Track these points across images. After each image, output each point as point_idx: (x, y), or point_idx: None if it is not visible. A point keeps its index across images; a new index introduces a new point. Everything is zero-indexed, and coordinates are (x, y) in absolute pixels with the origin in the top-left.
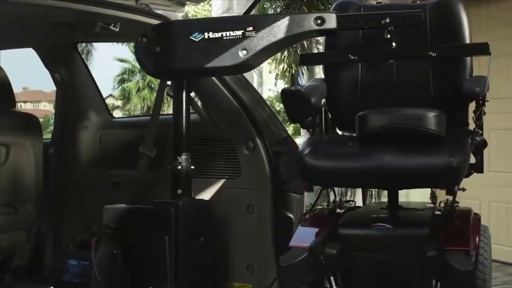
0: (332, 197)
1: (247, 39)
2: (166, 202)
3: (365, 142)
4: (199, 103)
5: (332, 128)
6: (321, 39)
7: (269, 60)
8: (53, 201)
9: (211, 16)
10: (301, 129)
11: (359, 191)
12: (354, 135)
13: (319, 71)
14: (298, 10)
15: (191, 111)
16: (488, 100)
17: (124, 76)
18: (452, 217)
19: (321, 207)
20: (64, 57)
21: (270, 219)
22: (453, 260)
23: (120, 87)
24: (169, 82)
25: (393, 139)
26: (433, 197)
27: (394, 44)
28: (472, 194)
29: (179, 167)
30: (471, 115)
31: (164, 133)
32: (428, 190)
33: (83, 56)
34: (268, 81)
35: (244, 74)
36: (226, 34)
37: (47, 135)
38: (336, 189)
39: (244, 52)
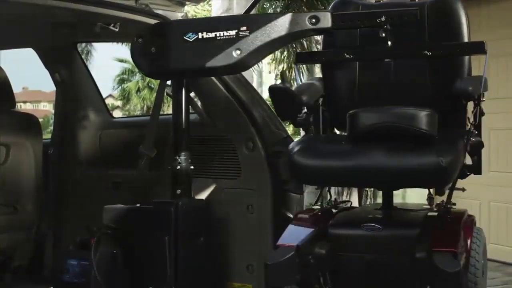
0: (328, 197)
1: (240, 39)
2: (166, 202)
3: (356, 141)
4: (199, 103)
5: (330, 128)
6: (321, 38)
7: (269, 60)
8: (53, 201)
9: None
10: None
11: (355, 192)
12: None
13: (318, 72)
14: (298, 10)
15: (190, 111)
16: (484, 100)
17: (124, 76)
18: (444, 219)
19: (317, 207)
20: (64, 57)
21: (270, 219)
22: (440, 261)
23: (120, 87)
24: (168, 82)
25: (384, 138)
26: (430, 198)
27: (389, 43)
28: (472, 194)
29: (178, 167)
30: (471, 115)
31: (164, 133)
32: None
33: (83, 56)
34: (268, 81)
35: (243, 74)
36: (219, 34)
37: (47, 135)
38: (333, 189)
39: (238, 52)
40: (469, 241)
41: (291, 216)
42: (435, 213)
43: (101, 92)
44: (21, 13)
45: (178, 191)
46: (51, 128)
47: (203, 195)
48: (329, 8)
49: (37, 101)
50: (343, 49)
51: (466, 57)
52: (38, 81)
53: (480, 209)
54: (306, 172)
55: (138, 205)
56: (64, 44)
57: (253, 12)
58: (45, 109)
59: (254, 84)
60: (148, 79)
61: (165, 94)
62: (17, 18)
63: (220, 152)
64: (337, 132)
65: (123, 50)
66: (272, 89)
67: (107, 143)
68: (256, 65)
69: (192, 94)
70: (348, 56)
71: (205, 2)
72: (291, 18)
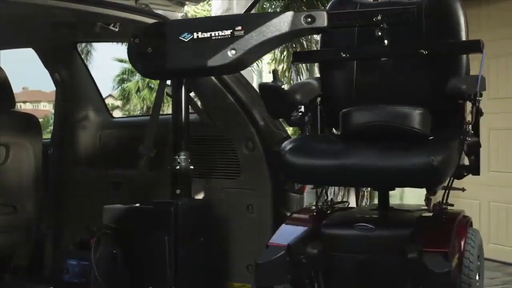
0: (325, 197)
1: (235, 39)
2: (165, 202)
3: (348, 140)
4: (199, 103)
5: (329, 127)
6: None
7: (269, 60)
8: (53, 201)
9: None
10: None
11: (353, 192)
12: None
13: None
14: (298, 10)
15: (190, 111)
16: (479, 99)
17: (124, 76)
18: (437, 219)
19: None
20: (64, 57)
21: (270, 219)
22: (430, 261)
23: (120, 87)
24: (168, 82)
25: (377, 137)
26: (428, 199)
27: (386, 41)
28: (472, 194)
29: (178, 167)
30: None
31: (164, 133)
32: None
33: (82, 56)
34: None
35: (243, 74)
36: (214, 34)
37: (47, 135)
38: (330, 188)
39: (233, 51)
40: (462, 242)
41: None
42: (430, 214)
43: (101, 92)
44: (21, 13)
45: (178, 191)
46: (51, 128)
47: (203, 195)
48: (328, 7)
49: (37, 101)
50: (339, 49)
51: (464, 57)
52: (38, 81)
53: (480, 209)
54: (297, 170)
55: (138, 205)
56: (64, 44)
57: (252, 12)
58: (45, 109)
59: (254, 84)
60: (148, 79)
61: (165, 94)
62: (17, 18)
63: (220, 152)
64: (335, 131)
65: (123, 50)
66: (261, 87)
67: (107, 143)
68: (256, 65)
69: (192, 94)
70: (344, 55)
71: (205, 2)
72: (286, 17)
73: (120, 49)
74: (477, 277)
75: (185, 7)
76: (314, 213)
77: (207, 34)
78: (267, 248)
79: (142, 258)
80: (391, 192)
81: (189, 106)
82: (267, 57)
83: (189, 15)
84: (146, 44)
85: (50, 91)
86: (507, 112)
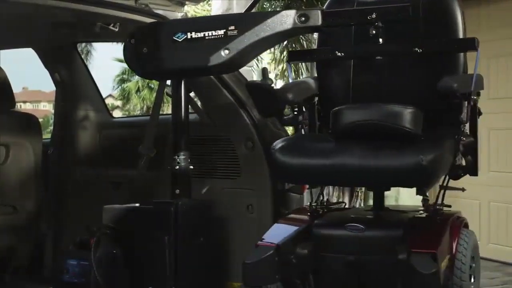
0: (320, 198)
1: (229, 39)
2: (165, 202)
3: (340, 139)
4: (199, 103)
5: (326, 127)
6: None
7: (269, 60)
8: (53, 201)
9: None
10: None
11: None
12: None
13: None
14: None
15: (190, 111)
16: (474, 98)
17: (124, 76)
18: (429, 220)
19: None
20: (64, 57)
21: (270, 219)
22: (417, 262)
23: (120, 87)
24: (168, 82)
25: (368, 136)
26: (424, 199)
27: (381, 40)
28: (472, 194)
29: (178, 167)
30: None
31: (164, 133)
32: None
33: (83, 56)
34: None
35: (244, 74)
36: (208, 34)
37: (46, 135)
38: (326, 189)
39: (227, 51)
40: (454, 243)
41: None
42: (424, 215)
43: (101, 92)
44: (21, 13)
45: (177, 191)
46: (51, 128)
47: (202, 195)
48: (325, 5)
49: (37, 101)
50: (334, 47)
51: (461, 56)
52: (38, 81)
53: (480, 209)
54: (285, 169)
55: (138, 205)
56: (64, 44)
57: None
58: (45, 109)
59: None
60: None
61: (165, 94)
62: (17, 18)
63: (219, 152)
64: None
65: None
66: (249, 86)
67: (107, 143)
68: (256, 65)
69: (192, 94)
70: (339, 54)
71: (205, 2)
72: (280, 16)
73: (120, 49)
74: (471, 279)
75: (185, 7)
76: (308, 213)
77: (200, 34)
78: (257, 247)
79: (142, 258)
80: (387, 193)
81: (189, 106)
82: (267, 57)
83: (189, 15)
84: (141, 44)
85: (50, 91)
86: (507, 112)
